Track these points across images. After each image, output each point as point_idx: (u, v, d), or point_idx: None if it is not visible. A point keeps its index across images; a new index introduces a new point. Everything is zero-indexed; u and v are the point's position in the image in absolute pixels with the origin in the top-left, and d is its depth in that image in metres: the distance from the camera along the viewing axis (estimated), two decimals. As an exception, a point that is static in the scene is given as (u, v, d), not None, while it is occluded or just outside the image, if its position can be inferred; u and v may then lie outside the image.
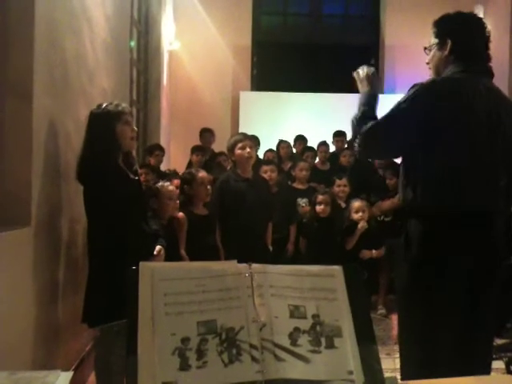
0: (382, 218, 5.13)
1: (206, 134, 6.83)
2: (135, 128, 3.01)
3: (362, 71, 2.34)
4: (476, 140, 2.09)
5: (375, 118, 2.20)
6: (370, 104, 2.25)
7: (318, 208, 4.68)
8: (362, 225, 4.61)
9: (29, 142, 2.58)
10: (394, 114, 2.13)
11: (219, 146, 6.11)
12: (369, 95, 2.28)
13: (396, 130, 2.12)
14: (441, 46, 2.24)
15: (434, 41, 2.27)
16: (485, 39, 2.23)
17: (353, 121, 2.23)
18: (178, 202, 3.72)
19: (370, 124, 2.14)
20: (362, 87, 2.32)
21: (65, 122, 3.12)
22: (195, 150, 6.21)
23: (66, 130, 3.13)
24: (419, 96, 2.09)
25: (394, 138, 2.14)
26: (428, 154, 2.09)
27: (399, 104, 2.13)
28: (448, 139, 2.06)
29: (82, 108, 3.38)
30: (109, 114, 2.82)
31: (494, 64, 2.26)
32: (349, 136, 4.92)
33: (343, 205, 5.06)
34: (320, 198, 4.72)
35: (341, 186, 5.16)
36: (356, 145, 2.19)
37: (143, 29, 6.95)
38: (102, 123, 2.79)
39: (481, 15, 2.39)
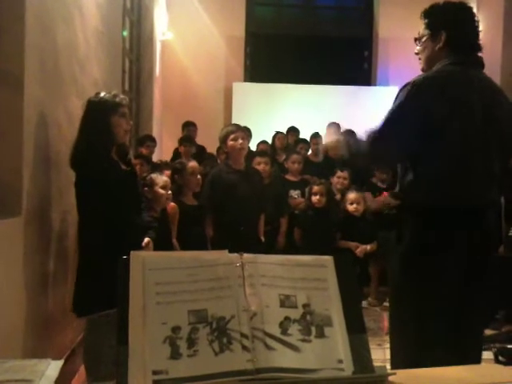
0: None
1: (190, 127, 6.81)
2: (130, 122, 2.98)
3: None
4: (470, 134, 2.07)
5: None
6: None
7: (314, 198, 4.67)
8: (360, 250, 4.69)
9: (19, 132, 2.56)
10: (393, 118, 2.08)
11: (212, 137, 6.09)
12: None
13: (397, 133, 2.07)
14: (434, 37, 2.18)
15: (426, 32, 2.21)
16: (476, 28, 2.19)
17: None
18: (170, 192, 3.71)
19: (371, 133, 2.11)
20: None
21: (56, 111, 3.10)
22: (183, 141, 6.19)
23: (57, 119, 3.11)
24: (413, 95, 2.05)
25: (397, 140, 2.09)
26: (424, 150, 2.07)
27: (395, 107, 2.09)
28: (443, 135, 2.05)
29: (73, 97, 3.36)
30: (105, 105, 2.78)
31: (487, 55, 2.23)
32: (342, 128, 4.92)
33: (338, 197, 5.05)
34: (315, 188, 4.70)
35: (341, 177, 5.15)
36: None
37: (136, 18, 6.90)
38: (97, 113, 2.76)
39: (473, 6, 2.36)
